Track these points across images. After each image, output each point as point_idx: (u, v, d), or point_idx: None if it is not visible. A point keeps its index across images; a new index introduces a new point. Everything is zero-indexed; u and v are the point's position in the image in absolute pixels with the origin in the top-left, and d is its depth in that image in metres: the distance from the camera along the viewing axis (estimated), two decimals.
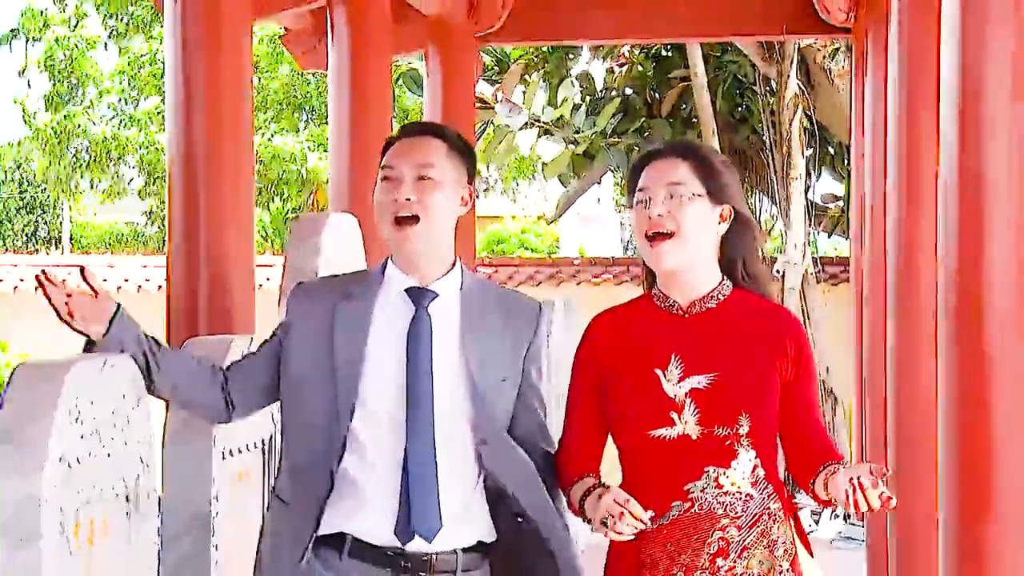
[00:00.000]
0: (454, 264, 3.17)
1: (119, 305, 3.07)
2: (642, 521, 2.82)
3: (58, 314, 3.01)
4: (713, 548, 2.91)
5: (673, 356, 2.98)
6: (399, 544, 3.04)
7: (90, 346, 3.07)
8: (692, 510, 2.94)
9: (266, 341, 3.27)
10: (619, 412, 3.04)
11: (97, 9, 23.97)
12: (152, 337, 3.17)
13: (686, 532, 2.94)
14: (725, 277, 3.07)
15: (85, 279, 3.01)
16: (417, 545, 3.03)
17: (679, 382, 2.96)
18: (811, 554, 3.08)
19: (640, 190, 3.05)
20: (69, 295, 2.99)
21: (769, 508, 2.96)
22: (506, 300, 3.27)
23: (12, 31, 24.85)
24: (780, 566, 2.94)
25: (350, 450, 3.05)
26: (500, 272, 17.83)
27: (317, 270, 4.38)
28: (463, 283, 3.18)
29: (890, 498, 2.68)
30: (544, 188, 27.96)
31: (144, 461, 3.39)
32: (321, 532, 3.06)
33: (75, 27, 24.34)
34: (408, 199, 3.07)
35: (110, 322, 3.03)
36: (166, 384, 3.17)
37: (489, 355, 3.12)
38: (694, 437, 2.94)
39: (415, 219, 3.07)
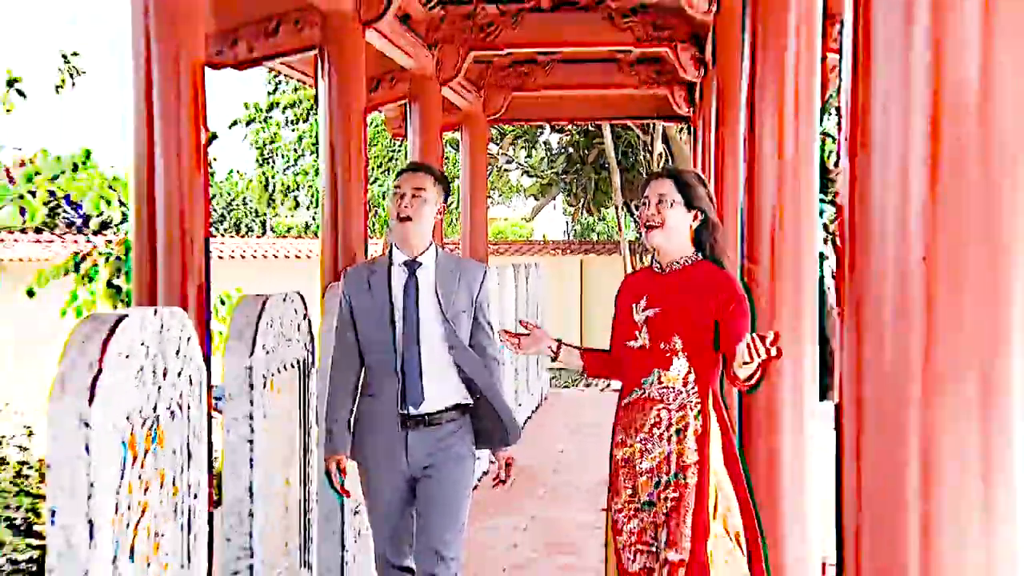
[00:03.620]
0: (430, 245, 2.99)
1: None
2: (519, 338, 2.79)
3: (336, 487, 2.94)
4: (652, 420, 2.64)
5: (644, 296, 2.70)
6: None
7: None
8: (643, 395, 2.66)
9: (341, 316, 3.00)
10: (614, 330, 2.78)
11: (283, 110, 23.80)
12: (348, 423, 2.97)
13: (638, 409, 2.67)
14: (697, 252, 2.73)
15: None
16: (415, 410, 2.89)
17: (642, 311, 2.69)
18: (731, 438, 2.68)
19: (644, 197, 2.78)
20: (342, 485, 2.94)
21: (691, 401, 2.62)
22: (463, 264, 3.03)
23: (236, 119, 24.60)
24: (689, 441, 2.61)
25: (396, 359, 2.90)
26: (500, 247, 17.79)
27: None
28: (437, 256, 2.99)
29: (779, 350, 2.27)
30: (524, 202, 27.83)
31: (307, 349, 3.39)
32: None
33: (267, 118, 23.96)
34: (408, 207, 2.93)
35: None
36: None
37: (453, 297, 2.94)
38: (647, 347, 2.65)
39: (410, 219, 2.93)
